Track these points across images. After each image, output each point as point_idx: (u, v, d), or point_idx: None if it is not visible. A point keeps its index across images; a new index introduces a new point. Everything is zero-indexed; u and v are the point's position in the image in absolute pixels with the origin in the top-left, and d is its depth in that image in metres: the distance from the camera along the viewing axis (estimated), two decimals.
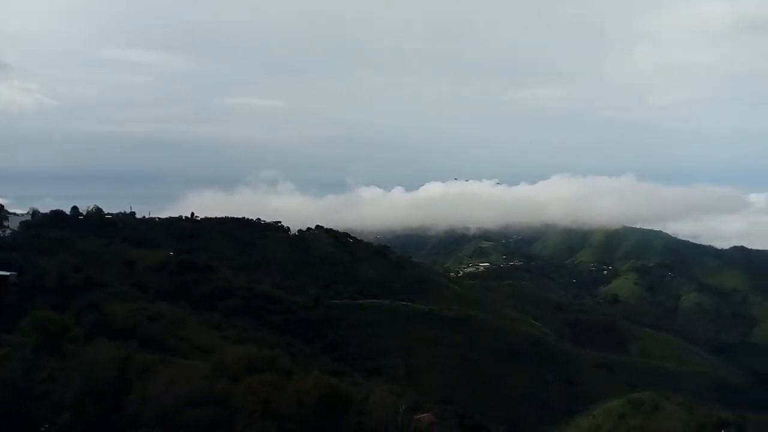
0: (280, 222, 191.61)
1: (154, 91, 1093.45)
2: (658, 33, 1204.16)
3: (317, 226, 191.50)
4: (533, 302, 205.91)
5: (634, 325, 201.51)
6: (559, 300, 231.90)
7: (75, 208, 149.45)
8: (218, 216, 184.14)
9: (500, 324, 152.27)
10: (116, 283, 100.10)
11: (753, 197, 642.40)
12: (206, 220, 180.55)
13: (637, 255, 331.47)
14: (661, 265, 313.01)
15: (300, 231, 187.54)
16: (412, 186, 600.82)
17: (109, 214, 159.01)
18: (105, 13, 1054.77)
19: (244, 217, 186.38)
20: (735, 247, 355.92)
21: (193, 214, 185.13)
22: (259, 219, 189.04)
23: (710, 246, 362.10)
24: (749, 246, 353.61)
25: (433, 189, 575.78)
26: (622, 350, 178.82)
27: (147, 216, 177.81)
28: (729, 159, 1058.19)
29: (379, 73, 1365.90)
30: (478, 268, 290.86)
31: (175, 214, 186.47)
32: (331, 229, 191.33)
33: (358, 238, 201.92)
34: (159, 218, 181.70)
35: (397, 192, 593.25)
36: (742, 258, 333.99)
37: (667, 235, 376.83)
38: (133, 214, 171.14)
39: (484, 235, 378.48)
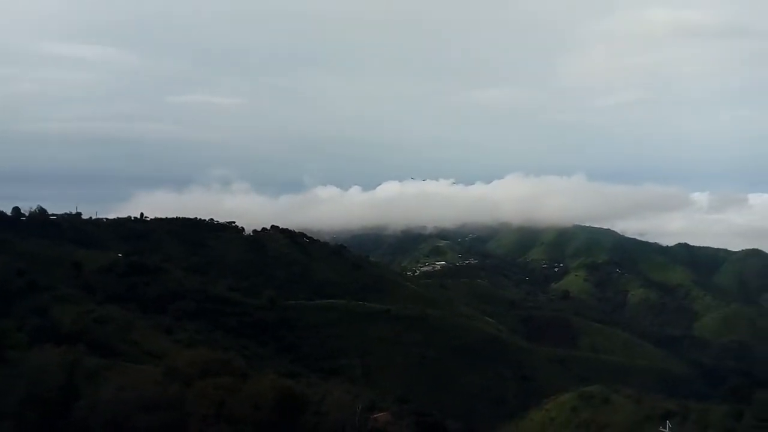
0: (233, 222, 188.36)
1: (101, 88, 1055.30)
2: (605, 36, 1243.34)
3: (272, 226, 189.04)
4: (488, 300, 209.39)
5: (584, 321, 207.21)
6: (513, 297, 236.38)
7: (16, 209, 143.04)
8: (169, 216, 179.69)
9: (456, 322, 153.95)
10: (62, 286, 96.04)
11: (696, 196, 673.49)
12: (156, 220, 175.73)
13: (587, 252, 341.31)
14: (609, 262, 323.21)
15: (255, 231, 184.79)
16: (369, 185, 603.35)
17: (53, 214, 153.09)
18: (45, 5, 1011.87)
19: (196, 218, 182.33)
20: (679, 244, 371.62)
21: (142, 214, 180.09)
22: (212, 219, 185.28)
23: (656, 243, 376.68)
24: (692, 243, 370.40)
25: (390, 188, 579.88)
26: (573, 345, 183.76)
27: (94, 217, 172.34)
28: (673, 159, 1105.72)
29: (336, 72, 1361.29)
30: (434, 267, 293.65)
31: (124, 215, 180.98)
32: (286, 229, 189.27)
33: (315, 238, 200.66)
34: (107, 219, 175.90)
35: (354, 191, 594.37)
36: (685, 254, 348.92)
37: (615, 233, 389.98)
38: (79, 214, 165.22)
39: (441, 234, 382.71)
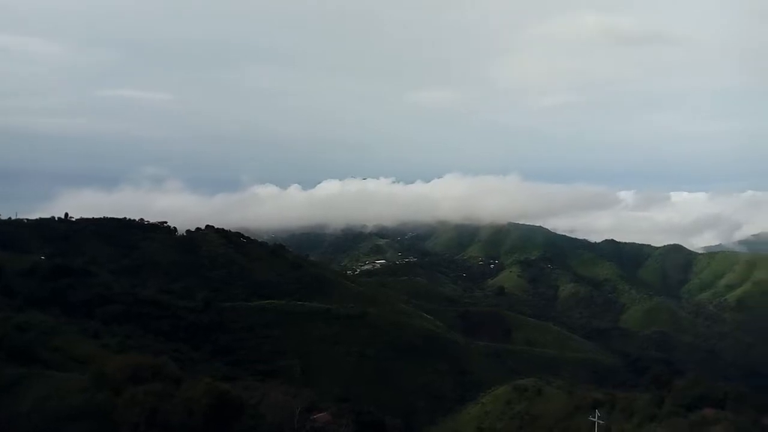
0: (165, 222, 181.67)
1: (21, 81, 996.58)
2: (539, 40, 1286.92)
3: (207, 226, 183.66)
4: (427, 297, 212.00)
5: (518, 315, 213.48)
6: (450, 294, 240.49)
7: None
8: (96, 216, 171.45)
9: (396, 319, 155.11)
10: None
11: (622, 194, 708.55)
12: (82, 221, 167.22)
13: (521, 249, 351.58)
14: (542, 258, 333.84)
15: (188, 231, 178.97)
16: (308, 184, 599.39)
17: None
18: None
19: (125, 218, 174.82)
20: (606, 240, 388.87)
21: (67, 214, 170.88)
22: (142, 219, 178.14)
23: (585, 240, 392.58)
24: (618, 239, 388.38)
25: (330, 187, 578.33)
26: (508, 339, 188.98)
27: (14, 217, 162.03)
28: (602, 159, 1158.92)
29: (275, 69, 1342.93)
30: (374, 266, 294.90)
31: (47, 215, 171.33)
32: (222, 229, 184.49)
33: (253, 238, 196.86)
34: (28, 219, 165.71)
35: (294, 190, 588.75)
36: (612, 250, 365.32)
37: (547, 230, 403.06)
38: None
39: (381, 233, 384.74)
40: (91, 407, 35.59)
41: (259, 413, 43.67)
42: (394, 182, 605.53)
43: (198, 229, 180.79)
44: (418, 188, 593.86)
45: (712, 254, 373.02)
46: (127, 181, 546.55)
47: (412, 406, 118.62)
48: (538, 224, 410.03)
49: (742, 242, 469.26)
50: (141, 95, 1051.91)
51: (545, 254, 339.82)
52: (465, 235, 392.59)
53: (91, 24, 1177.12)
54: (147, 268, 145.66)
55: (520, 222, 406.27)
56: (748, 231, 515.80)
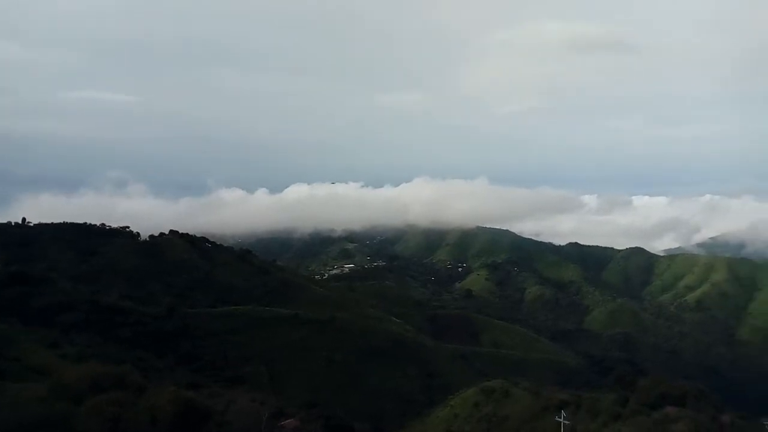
0: (128, 227, 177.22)
1: None
2: (505, 47, 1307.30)
3: (171, 231, 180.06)
4: (396, 301, 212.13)
5: (486, 318, 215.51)
6: (419, 297, 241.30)
7: None
8: (56, 222, 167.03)
9: (364, 324, 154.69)
10: None
11: (586, 198, 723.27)
12: (41, 226, 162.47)
13: (488, 253, 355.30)
14: (508, 261, 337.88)
15: (151, 236, 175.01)
16: (276, 188, 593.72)
17: None
18: None
19: (85, 223, 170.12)
20: (570, 243, 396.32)
21: (24, 219, 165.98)
22: (103, 224, 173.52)
23: (550, 243, 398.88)
24: (582, 242, 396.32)
25: (298, 191, 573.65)
26: (476, 341, 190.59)
27: None
28: (566, 164, 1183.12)
29: (241, 71, 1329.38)
30: (343, 270, 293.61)
31: (3, 220, 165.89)
32: (187, 233, 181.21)
33: (218, 243, 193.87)
34: None
35: (261, 194, 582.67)
36: (576, 253, 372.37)
37: (514, 233, 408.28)
38: None
39: (350, 237, 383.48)
40: (50, 417, 34.40)
41: (226, 420, 42.94)
42: (362, 186, 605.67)
43: (162, 234, 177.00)
44: (387, 192, 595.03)
45: (673, 257, 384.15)
46: (89, 185, 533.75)
47: (381, 410, 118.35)
48: (504, 228, 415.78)
49: (700, 245, 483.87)
50: (104, 97, 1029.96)
51: (512, 257, 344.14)
52: (433, 239, 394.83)
53: (53, 24, 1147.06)
54: (108, 275, 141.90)
55: (488, 226, 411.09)
56: (706, 234, 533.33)
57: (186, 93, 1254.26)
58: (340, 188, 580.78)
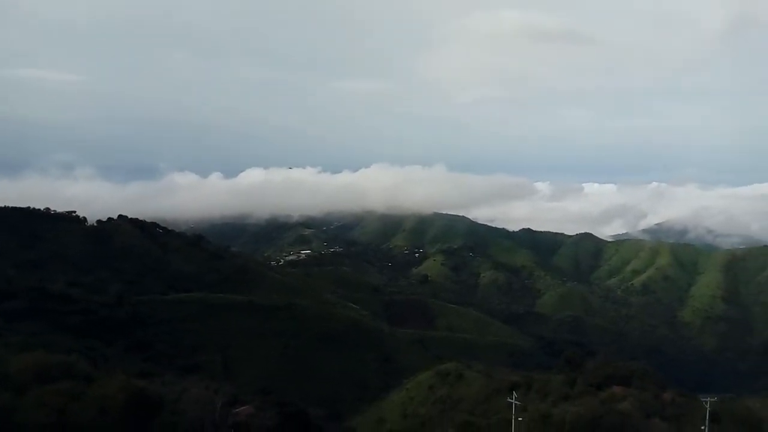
0: (74, 212, 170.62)
1: None
2: (462, 35, 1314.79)
3: (120, 216, 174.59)
4: (352, 286, 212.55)
5: (441, 303, 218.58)
6: (376, 283, 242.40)
7: None
8: None
9: (321, 310, 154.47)
10: None
11: (539, 185, 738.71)
12: None
13: (444, 238, 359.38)
14: (464, 246, 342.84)
15: (99, 221, 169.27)
16: (231, 173, 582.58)
17: None
18: None
19: (29, 207, 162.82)
20: (523, 229, 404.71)
21: None
22: (48, 209, 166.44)
23: (503, 229, 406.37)
24: (534, 228, 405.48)
25: (254, 175, 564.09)
26: (431, 326, 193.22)
27: None
28: (520, 152, 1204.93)
29: (195, 53, 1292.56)
30: (299, 256, 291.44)
31: None
32: (137, 218, 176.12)
33: (170, 229, 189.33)
34: None
35: (215, 178, 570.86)
36: (528, 239, 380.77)
37: (469, 219, 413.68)
38: None
39: (307, 223, 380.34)
40: None
41: (179, 409, 42.18)
42: (320, 172, 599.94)
43: (110, 219, 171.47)
44: (345, 178, 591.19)
45: (620, 242, 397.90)
46: (33, 167, 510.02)
47: (338, 395, 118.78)
48: (460, 214, 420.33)
49: (646, 231, 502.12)
50: (47, 75, 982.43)
51: (467, 243, 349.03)
52: (390, 225, 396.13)
53: None
54: (54, 261, 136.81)
55: (444, 212, 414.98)
56: (652, 220, 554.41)
57: (137, 73, 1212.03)
58: (297, 173, 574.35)
